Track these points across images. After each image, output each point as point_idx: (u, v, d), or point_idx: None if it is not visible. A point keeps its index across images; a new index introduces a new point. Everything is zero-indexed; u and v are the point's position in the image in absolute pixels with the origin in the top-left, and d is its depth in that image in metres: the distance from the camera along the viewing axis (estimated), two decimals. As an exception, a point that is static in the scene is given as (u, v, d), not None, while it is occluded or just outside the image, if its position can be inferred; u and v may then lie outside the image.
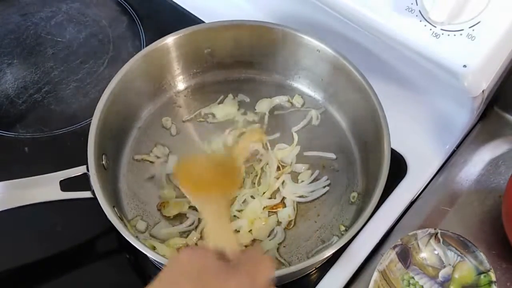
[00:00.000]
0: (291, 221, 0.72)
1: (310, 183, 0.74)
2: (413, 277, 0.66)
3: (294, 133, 0.78)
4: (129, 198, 0.72)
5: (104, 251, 0.72)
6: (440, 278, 0.66)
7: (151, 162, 0.76)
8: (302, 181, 0.74)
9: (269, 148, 0.77)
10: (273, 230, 0.71)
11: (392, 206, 0.72)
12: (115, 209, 0.65)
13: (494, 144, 0.78)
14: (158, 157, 0.76)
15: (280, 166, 0.76)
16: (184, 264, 0.48)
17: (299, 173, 0.75)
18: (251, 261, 0.50)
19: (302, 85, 0.82)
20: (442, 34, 0.61)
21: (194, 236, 0.70)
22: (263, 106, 0.80)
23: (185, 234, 0.70)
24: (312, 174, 0.75)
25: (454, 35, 0.61)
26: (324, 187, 0.74)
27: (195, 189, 0.62)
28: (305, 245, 0.70)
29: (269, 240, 0.70)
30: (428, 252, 0.67)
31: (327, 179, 0.74)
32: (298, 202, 0.73)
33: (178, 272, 0.47)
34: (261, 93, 0.81)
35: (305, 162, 0.76)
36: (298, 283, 0.67)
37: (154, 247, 0.68)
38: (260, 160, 0.76)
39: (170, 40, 0.75)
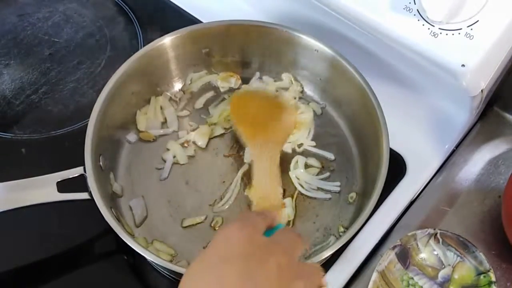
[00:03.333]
0: (289, 221, 0.71)
1: (321, 180, 0.74)
2: (412, 278, 0.66)
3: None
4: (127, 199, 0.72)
5: (102, 252, 0.71)
6: (439, 279, 0.66)
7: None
8: (312, 174, 0.74)
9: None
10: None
11: (391, 206, 0.72)
12: (112, 210, 0.65)
13: (493, 144, 0.78)
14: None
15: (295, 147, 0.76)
16: (232, 244, 0.46)
17: (310, 166, 0.75)
18: (287, 238, 0.50)
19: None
20: (440, 33, 0.61)
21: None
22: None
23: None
24: (318, 173, 0.74)
25: (453, 34, 0.61)
26: (330, 192, 0.73)
27: (252, 130, 0.61)
28: (303, 245, 0.70)
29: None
30: (427, 253, 0.67)
31: (339, 186, 0.73)
32: (296, 200, 0.72)
33: (224, 252, 0.46)
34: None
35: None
36: (297, 284, 0.67)
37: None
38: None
39: (167, 40, 0.74)
